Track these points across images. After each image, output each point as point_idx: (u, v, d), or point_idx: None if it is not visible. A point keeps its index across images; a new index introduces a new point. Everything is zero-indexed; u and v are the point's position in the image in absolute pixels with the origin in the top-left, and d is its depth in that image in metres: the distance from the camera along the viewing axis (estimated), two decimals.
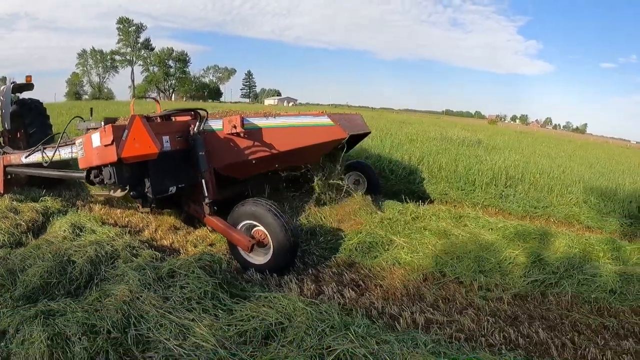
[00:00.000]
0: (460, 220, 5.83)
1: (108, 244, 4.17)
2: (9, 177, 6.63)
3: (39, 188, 6.90)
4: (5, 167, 6.50)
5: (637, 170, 12.58)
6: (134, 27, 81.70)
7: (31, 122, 7.67)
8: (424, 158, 9.07)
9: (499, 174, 8.34)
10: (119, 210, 6.07)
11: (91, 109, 6.26)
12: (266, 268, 4.24)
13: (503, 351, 3.00)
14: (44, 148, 5.39)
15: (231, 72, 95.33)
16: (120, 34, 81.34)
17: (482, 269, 4.54)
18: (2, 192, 6.55)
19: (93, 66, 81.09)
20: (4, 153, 6.66)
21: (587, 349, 3.18)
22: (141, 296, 3.03)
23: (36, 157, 5.53)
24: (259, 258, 4.35)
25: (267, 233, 4.22)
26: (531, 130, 52.30)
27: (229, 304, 2.97)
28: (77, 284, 3.52)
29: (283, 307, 2.89)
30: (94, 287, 3.42)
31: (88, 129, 4.78)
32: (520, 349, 3.16)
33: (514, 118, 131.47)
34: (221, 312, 2.89)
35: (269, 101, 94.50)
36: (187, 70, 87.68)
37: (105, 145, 3.90)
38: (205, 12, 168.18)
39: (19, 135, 7.85)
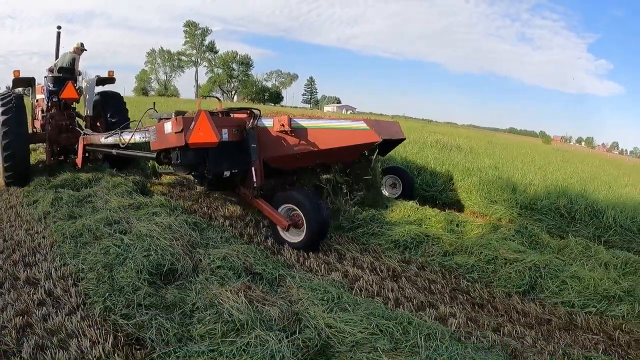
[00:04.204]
0: None
1: (102, 177, 7.54)
2: (87, 155, 7.87)
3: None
4: (85, 145, 7.63)
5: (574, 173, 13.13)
6: (199, 31, 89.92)
7: (112, 111, 8.76)
8: None
9: (412, 164, 9.75)
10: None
11: (154, 103, 6.87)
12: (299, 246, 5.19)
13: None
14: (121, 132, 6.47)
15: (293, 78, 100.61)
16: (187, 36, 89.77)
17: None
18: (79, 166, 7.87)
19: (160, 65, 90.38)
20: (85, 134, 7.72)
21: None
22: (100, 191, 6.47)
23: (113, 139, 6.59)
24: (294, 237, 5.28)
25: (303, 217, 5.16)
26: (586, 152, 49.94)
27: (134, 196, 6.26)
28: (78, 187, 7.04)
29: (156, 201, 6.06)
30: (84, 189, 6.93)
31: (160, 119, 5.51)
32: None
33: (579, 140, 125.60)
34: (128, 197, 6.15)
35: (328, 108, 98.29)
36: (250, 73, 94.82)
37: (176, 132, 4.86)
38: (274, 17, 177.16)
39: (98, 123, 9.06)
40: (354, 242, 5.70)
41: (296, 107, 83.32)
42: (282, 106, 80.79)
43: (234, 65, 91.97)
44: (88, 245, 4.54)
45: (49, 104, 8.42)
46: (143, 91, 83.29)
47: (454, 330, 3.61)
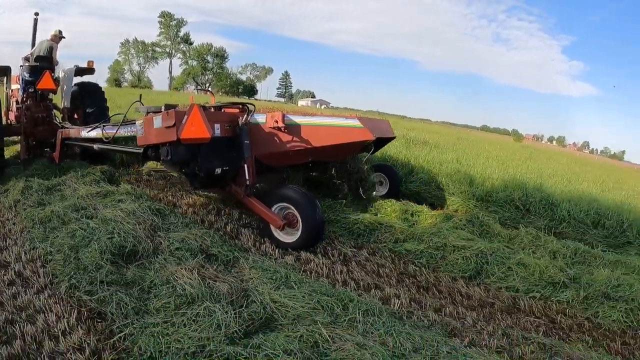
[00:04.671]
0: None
1: (72, 168, 7.59)
2: (64, 149, 7.46)
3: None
4: (63, 139, 7.22)
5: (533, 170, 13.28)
6: (174, 22, 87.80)
7: (91, 103, 8.28)
8: None
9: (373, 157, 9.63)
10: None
11: (140, 95, 6.33)
12: (294, 246, 5.06)
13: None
14: (104, 126, 6.16)
15: (268, 71, 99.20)
16: (162, 27, 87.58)
17: None
18: (57, 161, 7.40)
19: (134, 55, 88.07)
20: (63, 127, 7.37)
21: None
22: (69, 180, 6.59)
23: (96, 133, 6.29)
24: (288, 237, 5.16)
25: (298, 216, 5.03)
26: (556, 150, 50.47)
27: (102, 184, 6.44)
28: (48, 176, 7.07)
29: (122, 189, 6.24)
30: (53, 178, 6.99)
31: (148, 112, 5.23)
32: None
33: (551, 139, 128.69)
34: (96, 186, 6.32)
35: (302, 102, 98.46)
36: (225, 66, 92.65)
37: (167, 127, 4.64)
38: (252, 10, 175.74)
39: (75, 115, 8.55)
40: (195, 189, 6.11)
41: (270, 101, 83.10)
42: (256, 99, 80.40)
43: (209, 58, 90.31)
44: (56, 230, 4.75)
45: (25, 95, 7.92)
46: (116, 82, 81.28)
47: (397, 310, 3.83)
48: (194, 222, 5.53)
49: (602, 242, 6.99)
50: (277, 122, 5.32)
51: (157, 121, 4.80)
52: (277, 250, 5.09)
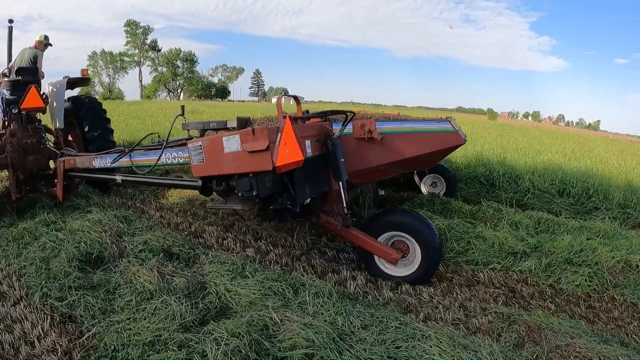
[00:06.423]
0: None
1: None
2: (65, 182, 5.76)
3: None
4: (66, 171, 5.59)
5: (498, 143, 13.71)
6: (141, 30, 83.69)
7: (90, 122, 6.83)
8: None
9: None
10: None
11: (182, 107, 4.67)
12: (411, 280, 4.19)
13: None
14: (132, 150, 4.68)
15: (239, 71, 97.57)
16: (128, 36, 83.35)
17: None
18: (60, 200, 5.80)
19: (103, 67, 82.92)
20: (63, 155, 5.73)
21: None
22: (41, 197, 6.71)
23: (120, 163, 4.81)
24: (400, 270, 4.25)
25: (416, 245, 4.16)
26: (531, 125, 50.95)
27: (72, 198, 6.39)
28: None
29: (91, 200, 6.40)
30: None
31: (205, 130, 4.26)
32: None
33: (526, 115, 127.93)
34: (66, 200, 6.34)
35: (275, 100, 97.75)
36: (195, 70, 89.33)
37: (252, 152, 3.40)
38: (217, 11, 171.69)
39: (70, 137, 7.06)
40: (270, 222, 5.90)
41: (243, 101, 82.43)
42: (229, 101, 79.74)
43: (178, 63, 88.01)
44: (29, 245, 4.84)
45: (7, 118, 6.21)
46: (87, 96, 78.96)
47: (353, 291, 3.94)
48: (160, 225, 5.67)
49: (568, 209, 6.97)
50: (370, 131, 4.27)
51: (233, 143, 3.50)
52: (238, 244, 5.26)
